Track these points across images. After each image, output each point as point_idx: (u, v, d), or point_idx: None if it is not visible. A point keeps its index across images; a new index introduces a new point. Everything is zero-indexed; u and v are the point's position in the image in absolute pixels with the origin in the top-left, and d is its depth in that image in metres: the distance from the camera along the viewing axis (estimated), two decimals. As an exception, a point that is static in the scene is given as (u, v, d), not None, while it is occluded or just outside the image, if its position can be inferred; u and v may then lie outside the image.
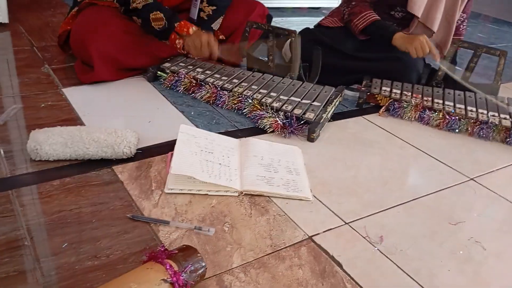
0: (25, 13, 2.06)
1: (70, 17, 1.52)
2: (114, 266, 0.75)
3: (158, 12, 1.40)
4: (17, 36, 1.78)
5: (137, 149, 1.08)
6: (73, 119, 1.20)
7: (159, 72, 1.48)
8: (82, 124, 1.19)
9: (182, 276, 0.67)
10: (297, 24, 2.69)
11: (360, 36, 1.69)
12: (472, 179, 1.17)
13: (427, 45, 1.51)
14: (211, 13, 1.55)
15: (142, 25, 1.44)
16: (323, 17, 1.87)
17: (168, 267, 0.66)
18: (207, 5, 1.55)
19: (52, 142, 1.00)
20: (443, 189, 1.11)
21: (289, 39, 1.59)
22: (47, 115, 1.21)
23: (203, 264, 0.72)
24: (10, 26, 1.86)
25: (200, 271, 0.71)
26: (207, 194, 0.96)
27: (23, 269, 0.72)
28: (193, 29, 1.42)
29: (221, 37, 1.64)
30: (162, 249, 0.70)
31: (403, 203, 1.03)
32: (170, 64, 1.49)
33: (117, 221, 0.86)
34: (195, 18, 1.55)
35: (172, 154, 1.06)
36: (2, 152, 1.02)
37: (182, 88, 1.43)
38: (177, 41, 1.44)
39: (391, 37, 1.58)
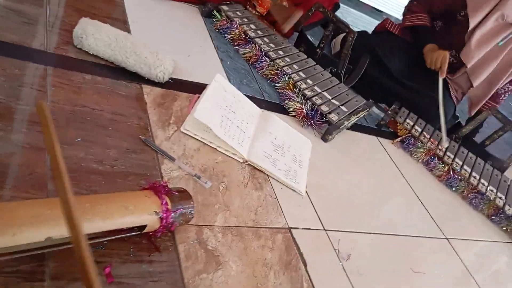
0: None
1: None
2: (114, 178, 0.80)
3: None
4: None
5: (170, 78, 1.10)
6: (121, 21, 1.21)
7: (215, 12, 1.48)
8: (128, 29, 1.20)
9: (172, 215, 0.73)
10: (355, 18, 2.67)
11: (403, 30, 1.83)
12: (447, 238, 1.24)
13: (441, 61, 1.63)
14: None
15: None
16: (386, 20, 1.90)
17: (163, 203, 0.71)
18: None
19: (97, 38, 1.02)
20: (419, 236, 1.18)
21: (344, 34, 1.60)
22: (100, 6, 1.21)
23: (193, 212, 0.77)
24: None
25: (187, 217, 0.76)
26: (216, 149, 1.00)
27: (36, 145, 0.76)
28: None
29: (284, 3, 1.63)
30: (164, 184, 0.75)
31: (380, 234, 1.09)
32: (228, 8, 1.49)
33: (130, 138, 0.90)
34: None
35: (198, 97, 1.09)
36: (48, 23, 1.04)
37: (229, 37, 1.44)
38: None
39: (423, 45, 1.71)
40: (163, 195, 0.73)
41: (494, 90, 1.78)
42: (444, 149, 1.52)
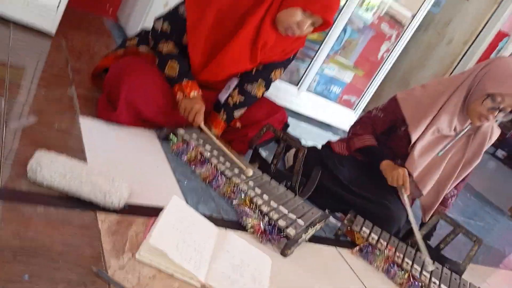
0: (72, 30, 2.14)
1: (114, 56, 1.62)
2: (62, 317, 0.75)
3: (176, 62, 1.54)
4: (57, 50, 1.86)
5: (126, 203, 1.11)
6: (77, 150, 1.24)
7: (171, 135, 1.54)
8: (84, 157, 1.22)
9: None
10: (306, 132, 2.84)
11: (354, 153, 1.90)
12: None
13: (402, 178, 1.69)
14: (238, 102, 1.66)
15: (157, 64, 1.57)
16: (334, 139, 2.01)
17: None
18: (237, 94, 1.66)
19: (52, 169, 1.03)
20: None
21: (296, 149, 1.70)
22: (56, 138, 1.25)
23: None
24: (54, 39, 1.94)
25: None
26: (172, 275, 0.98)
27: (-22, 287, 0.73)
28: (194, 93, 1.53)
29: (238, 125, 1.73)
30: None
31: None
32: (184, 132, 1.56)
33: (81, 270, 0.87)
34: (222, 101, 1.66)
35: (154, 221, 1.09)
36: (2, 157, 1.05)
37: (186, 158, 1.49)
38: (178, 93, 1.54)
39: (379, 163, 1.78)
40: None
41: (443, 196, 1.89)
42: (429, 273, 1.49)
